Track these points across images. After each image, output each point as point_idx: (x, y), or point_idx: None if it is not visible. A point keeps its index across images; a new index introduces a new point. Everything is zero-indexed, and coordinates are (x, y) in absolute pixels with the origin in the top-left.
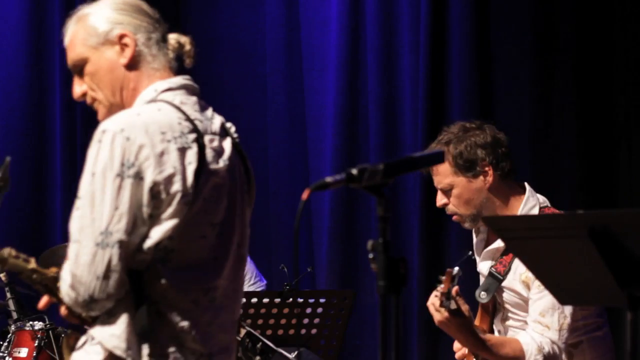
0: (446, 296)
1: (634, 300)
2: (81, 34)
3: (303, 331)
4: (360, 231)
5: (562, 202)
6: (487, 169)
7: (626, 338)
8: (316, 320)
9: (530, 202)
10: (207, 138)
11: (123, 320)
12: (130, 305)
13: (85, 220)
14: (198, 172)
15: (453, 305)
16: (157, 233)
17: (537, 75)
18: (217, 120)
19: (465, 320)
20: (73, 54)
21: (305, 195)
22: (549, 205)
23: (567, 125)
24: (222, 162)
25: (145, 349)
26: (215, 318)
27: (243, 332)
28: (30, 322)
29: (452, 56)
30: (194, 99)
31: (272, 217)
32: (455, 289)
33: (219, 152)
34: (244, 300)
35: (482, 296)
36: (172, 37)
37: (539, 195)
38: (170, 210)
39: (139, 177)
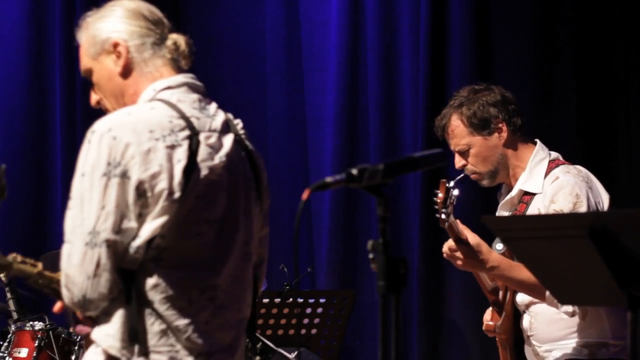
0: (443, 205)
1: (634, 300)
2: (85, 44)
3: (303, 331)
4: (360, 231)
5: None
6: (500, 125)
7: (627, 338)
8: (316, 320)
9: (539, 154)
10: (202, 135)
11: (117, 320)
12: (124, 305)
13: (76, 221)
14: (188, 170)
15: (450, 215)
16: (145, 232)
17: (538, 76)
18: (220, 118)
19: (470, 247)
20: (81, 64)
21: (305, 195)
22: (561, 158)
23: (568, 127)
24: (219, 159)
25: (139, 348)
26: (215, 317)
27: None
28: (30, 323)
29: (452, 56)
30: (194, 96)
31: (272, 217)
32: (452, 216)
33: (216, 149)
34: None
35: (498, 247)
36: (171, 38)
37: (551, 152)
38: (157, 208)
39: (125, 176)
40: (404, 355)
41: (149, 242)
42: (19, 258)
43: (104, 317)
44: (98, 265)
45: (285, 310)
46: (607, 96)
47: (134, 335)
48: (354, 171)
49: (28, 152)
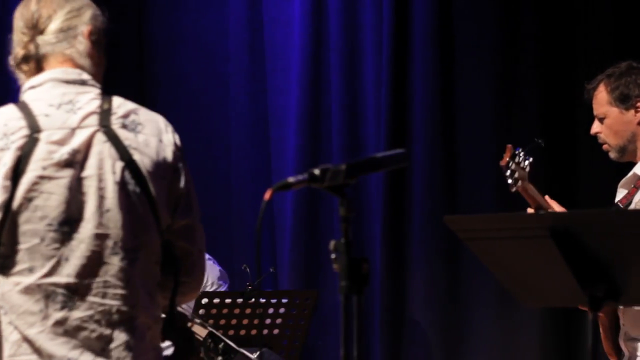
0: (506, 167)
1: (595, 300)
2: None
3: (265, 331)
4: (322, 231)
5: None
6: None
7: (588, 338)
8: (278, 321)
9: None
10: (45, 133)
11: None
12: None
13: None
14: (16, 173)
15: (519, 181)
16: None
17: (501, 74)
18: (85, 110)
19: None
20: None
21: (267, 195)
22: None
23: (530, 125)
24: (59, 156)
25: None
26: (71, 320)
27: (205, 332)
28: None
29: (414, 56)
30: (57, 91)
31: (235, 217)
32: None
33: (60, 145)
34: (206, 300)
35: None
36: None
37: None
38: None
39: None
40: (366, 355)
41: None
42: None
43: None
44: None
45: (248, 311)
46: (570, 92)
47: None
48: (316, 171)
49: None
